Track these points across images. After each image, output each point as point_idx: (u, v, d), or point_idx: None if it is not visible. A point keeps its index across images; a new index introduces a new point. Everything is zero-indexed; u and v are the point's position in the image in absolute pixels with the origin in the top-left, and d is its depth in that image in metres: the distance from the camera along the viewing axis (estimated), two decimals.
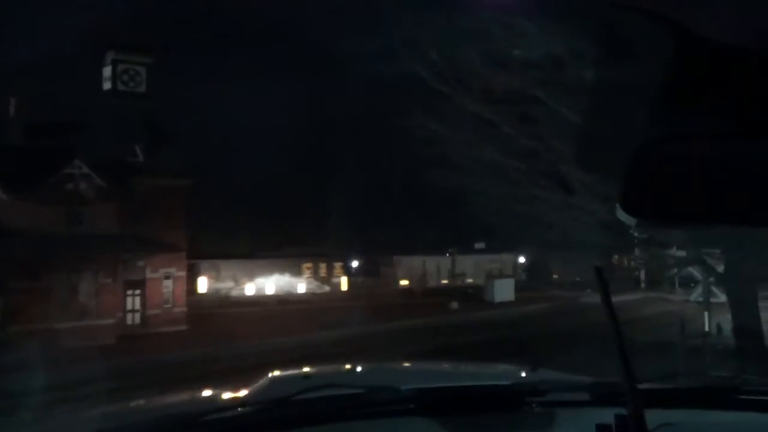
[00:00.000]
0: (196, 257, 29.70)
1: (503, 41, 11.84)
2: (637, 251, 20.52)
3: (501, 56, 12.20)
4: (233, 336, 20.10)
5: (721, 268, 13.41)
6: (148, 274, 23.95)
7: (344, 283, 37.32)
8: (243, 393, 1.95)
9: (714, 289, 14.97)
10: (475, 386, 1.77)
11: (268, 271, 34.57)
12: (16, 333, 16.83)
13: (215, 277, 33.47)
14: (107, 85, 25.30)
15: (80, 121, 23.53)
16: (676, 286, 29.48)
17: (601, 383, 1.67)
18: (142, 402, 2.34)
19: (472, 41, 12.40)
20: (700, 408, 1.55)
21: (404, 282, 37.53)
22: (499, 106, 12.78)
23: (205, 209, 34.11)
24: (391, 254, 38.58)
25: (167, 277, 24.42)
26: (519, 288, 33.78)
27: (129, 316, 23.39)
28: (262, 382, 2.07)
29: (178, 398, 2.38)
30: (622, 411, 1.14)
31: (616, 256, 30.48)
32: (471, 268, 38.31)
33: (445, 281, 38.36)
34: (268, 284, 34.16)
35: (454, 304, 29.10)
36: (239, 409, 1.63)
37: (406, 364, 2.85)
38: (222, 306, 28.98)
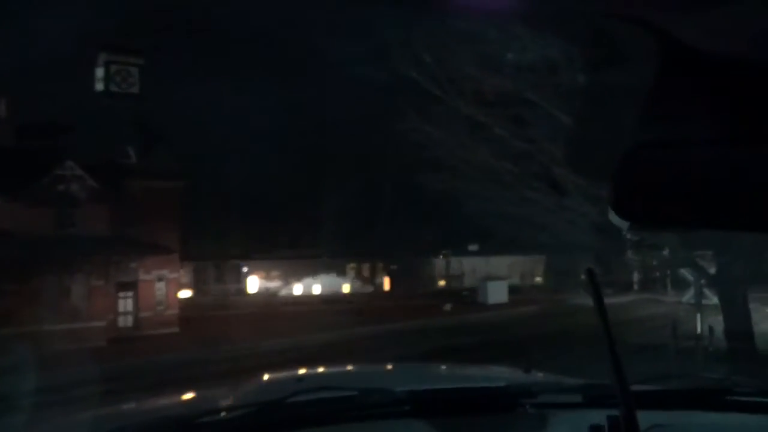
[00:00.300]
0: (191, 259, 29.67)
1: (496, 44, 11.88)
2: (629, 253, 20.62)
3: (494, 59, 12.24)
4: (226, 338, 20.05)
5: (712, 270, 13.50)
6: (141, 276, 23.84)
7: (386, 284, 38.27)
8: (236, 395, 1.95)
9: (706, 291, 15.04)
10: (468, 388, 1.77)
11: (315, 271, 35.57)
12: (7, 335, 16.70)
13: (265, 276, 34.75)
14: (100, 86, 25.18)
15: (72, 122, 23.42)
16: (669, 288, 29.63)
17: (593, 385, 1.68)
18: (134, 404, 2.32)
19: (465, 44, 12.44)
20: (691, 409, 1.56)
21: (442, 282, 38.65)
22: (492, 108, 12.81)
23: (200, 210, 34.05)
24: (430, 254, 39.04)
25: (160, 279, 24.32)
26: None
27: (121, 318, 23.27)
28: (255, 383, 2.06)
29: (170, 400, 2.37)
30: (614, 412, 1.15)
31: (608, 258, 30.64)
32: (505, 269, 38.35)
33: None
34: (315, 284, 34.68)
35: (448, 306, 29.14)
36: (232, 411, 1.63)
37: (399, 366, 2.85)
38: (269, 305, 29.76)
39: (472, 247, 37.35)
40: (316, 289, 35.11)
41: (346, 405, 1.56)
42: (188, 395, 2.44)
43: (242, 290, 34.57)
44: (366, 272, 39.95)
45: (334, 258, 37.68)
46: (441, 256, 40.47)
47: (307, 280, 35.60)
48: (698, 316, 15.30)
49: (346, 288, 36.53)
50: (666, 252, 15.47)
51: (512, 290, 33.47)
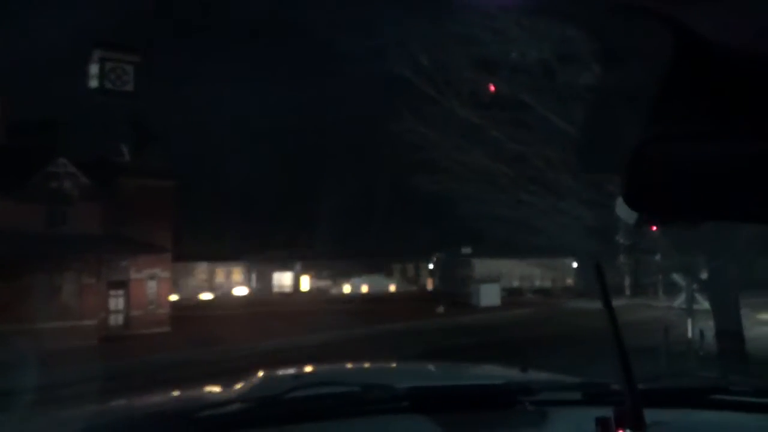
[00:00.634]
0: (184, 258, 29.57)
1: (493, 46, 11.91)
2: (621, 258, 20.70)
3: (490, 61, 12.27)
4: (217, 338, 20.01)
5: (704, 276, 13.57)
6: (133, 275, 23.72)
7: (429, 283, 39.74)
8: (233, 391, 1.94)
9: (697, 295, 15.12)
10: (467, 385, 1.77)
11: (363, 271, 37.09)
12: None
13: (316, 276, 36.51)
14: (94, 83, 25.06)
15: (66, 119, 23.29)
16: (660, 292, 29.77)
17: (592, 383, 1.68)
18: (127, 401, 2.31)
19: (462, 46, 12.46)
20: (689, 408, 1.57)
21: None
22: (487, 111, 12.84)
23: (193, 210, 33.93)
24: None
25: (152, 278, 24.20)
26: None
27: (112, 317, 23.14)
28: (252, 380, 2.05)
29: (164, 397, 2.36)
30: (614, 407, 1.15)
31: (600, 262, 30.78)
32: (537, 272, 38.61)
33: (516, 283, 39.61)
34: (363, 284, 36.06)
35: (441, 309, 29.15)
36: (229, 406, 1.62)
37: (398, 364, 2.85)
38: (322, 303, 31.25)
39: (465, 250, 37.41)
40: (364, 288, 36.29)
41: (345, 401, 1.55)
42: (183, 391, 2.43)
43: (297, 289, 36.48)
44: (411, 272, 40.77)
45: (327, 258, 37.67)
46: (435, 258, 40.55)
47: (355, 280, 36.63)
48: (689, 320, 15.37)
49: (392, 287, 37.65)
50: (658, 257, 15.54)
51: (544, 292, 34.03)
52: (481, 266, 38.28)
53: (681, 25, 0.59)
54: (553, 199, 12.71)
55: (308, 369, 2.40)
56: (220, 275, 36.81)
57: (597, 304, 1.21)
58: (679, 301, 16.58)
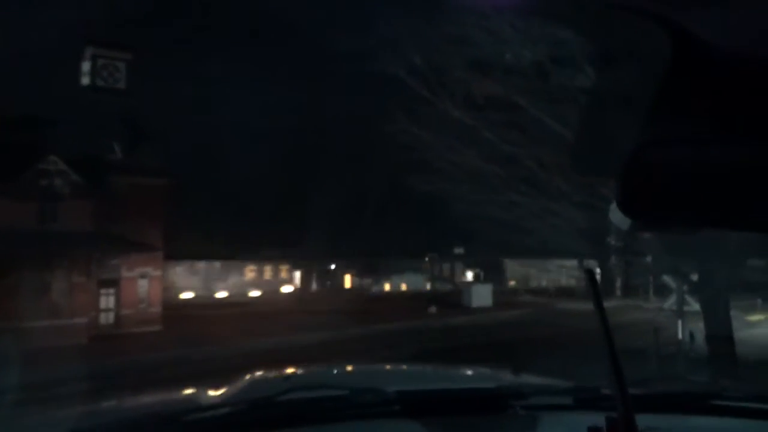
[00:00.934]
0: (176, 257, 29.49)
1: (487, 48, 11.93)
2: (613, 259, 20.80)
3: (484, 62, 12.29)
4: (211, 336, 19.96)
5: (695, 278, 13.65)
6: (124, 273, 23.59)
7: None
8: (223, 393, 1.92)
9: (688, 297, 15.20)
10: (458, 389, 1.77)
11: (402, 269, 38.19)
12: None
13: (358, 274, 37.91)
14: (86, 80, 24.91)
15: (57, 116, 23.11)
16: (651, 294, 29.94)
17: (584, 387, 1.68)
18: (116, 402, 2.29)
19: (456, 47, 12.47)
20: (681, 413, 1.57)
21: (512, 282, 41.06)
22: (480, 112, 12.85)
23: (186, 209, 33.79)
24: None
25: (143, 277, 24.08)
26: None
27: (103, 316, 23.00)
28: (242, 382, 2.04)
29: (154, 398, 2.34)
30: (604, 415, 1.14)
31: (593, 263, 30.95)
32: (563, 274, 39.13)
33: (544, 283, 40.70)
34: (402, 282, 36.21)
35: (433, 309, 29.20)
36: (220, 408, 1.60)
37: (389, 366, 2.83)
38: (361, 300, 32.57)
39: (458, 250, 37.52)
40: (403, 286, 37.57)
41: (336, 404, 1.54)
42: (174, 393, 2.41)
43: (341, 286, 37.88)
44: (447, 272, 41.76)
45: (320, 258, 37.69)
46: (426, 259, 40.63)
47: (395, 278, 37.49)
48: (680, 322, 15.46)
49: (428, 285, 38.53)
50: (649, 258, 15.62)
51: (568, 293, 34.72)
52: (512, 266, 39.05)
53: (677, 27, 0.59)
54: (545, 200, 12.75)
55: (297, 371, 2.39)
56: (267, 273, 38.19)
57: (591, 306, 1.20)
58: (670, 302, 16.67)
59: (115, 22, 25.08)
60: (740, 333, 15.24)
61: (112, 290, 23.29)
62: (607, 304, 1.14)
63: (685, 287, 14.91)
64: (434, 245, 40.43)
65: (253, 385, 2.00)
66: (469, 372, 2.47)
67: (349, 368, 2.50)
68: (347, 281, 37.92)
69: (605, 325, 1.12)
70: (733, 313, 13.74)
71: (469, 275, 41.54)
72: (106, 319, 23.09)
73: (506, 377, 2.03)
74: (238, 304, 31.03)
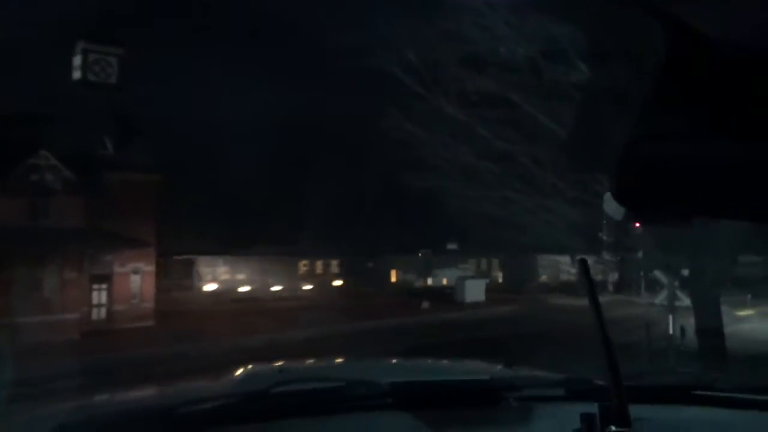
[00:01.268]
0: (166, 254, 29.40)
1: (481, 44, 11.94)
2: (604, 254, 20.91)
3: (478, 59, 12.31)
4: (207, 331, 19.93)
5: (686, 273, 13.75)
6: (116, 269, 23.49)
7: (500, 277, 42.38)
8: (217, 386, 1.92)
9: (679, 293, 15.31)
10: (452, 381, 1.78)
11: (442, 265, 39.50)
12: None
13: (402, 270, 39.56)
14: (77, 75, 24.72)
15: (48, 111, 22.93)
16: (642, 289, 30.11)
17: (576, 379, 1.69)
18: (109, 396, 2.28)
19: (450, 44, 12.48)
20: (674, 404, 1.59)
21: (543, 278, 41.87)
22: (475, 108, 12.87)
23: (177, 205, 33.68)
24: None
25: (135, 272, 23.98)
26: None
27: (95, 311, 22.90)
28: (236, 375, 2.04)
29: (147, 392, 2.34)
30: (600, 403, 1.15)
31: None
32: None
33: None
34: (444, 277, 38.23)
35: (426, 304, 29.25)
36: (212, 402, 1.60)
37: (383, 360, 2.84)
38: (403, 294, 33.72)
39: (452, 246, 37.62)
40: (444, 281, 38.64)
41: (331, 396, 1.55)
42: (167, 386, 2.41)
43: (386, 280, 39.49)
44: (484, 266, 43.26)
45: (314, 254, 37.71)
46: (420, 254, 40.75)
47: (437, 273, 38.95)
48: (671, 317, 15.57)
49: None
50: (640, 254, 15.71)
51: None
52: (541, 261, 39.68)
53: (673, 21, 0.59)
54: (538, 197, 12.80)
55: (291, 364, 2.39)
56: (318, 268, 40.29)
57: (584, 301, 1.22)
58: (661, 297, 16.78)
59: (107, 16, 24.85)
60: (730, 328, 15.37)
61: (104, 286, 23.19)
62: (599, 299, 1.15)
63: (676, 283, 15.02)
64: (428, 241, 40.56)
65: (247, 378, 2.01)
66: (464, 365, 2.48)
67: (343, 361, 2.51)
68: (393, 276, 39.93)
69: (598, 313, 1.13)
70: (723, 308, 13.86)
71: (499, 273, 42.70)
72: (98, 314, 22.99)
73: (500, 370, 2.04)
74: (289, 298, 32.49)
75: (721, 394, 1.64)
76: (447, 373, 2.20)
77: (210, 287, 36.03)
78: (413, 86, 13.37)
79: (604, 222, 13.36)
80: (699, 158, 0.64)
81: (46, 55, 28.05)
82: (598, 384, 1.48)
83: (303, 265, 39.18)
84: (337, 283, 38.80)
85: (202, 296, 33.50)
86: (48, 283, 21.12)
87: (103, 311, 23.14)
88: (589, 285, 1.15)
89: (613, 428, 1.04)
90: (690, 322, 14.26)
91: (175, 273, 35.47)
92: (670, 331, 15.23)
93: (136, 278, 24.03)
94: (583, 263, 1.21)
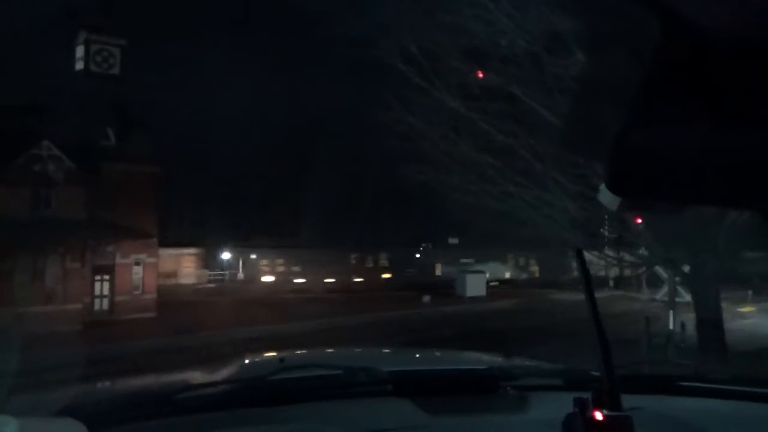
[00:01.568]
0: (168, 245, 29.49)
1: (483, 37, 11.89)
2: (605, 250, 20.87)
3: (480, 52, 12.25)
4: (202, 324, 19.99)
5: (687, 269, 13.73)
6: (118, 260, 23.55)
7: (537, 272, 43.88)
8: (218, 373, 1.94)
9: (679, 289, 15.32)
10: (451, 369, 1.80)
11: (485, 258, 40.43)
12: None
13: (447, 263, 40.52)
14: (79, 66, 24.71)
15: (51, 101, 22.94)
16: (643, 285, 30.13)
17: (572, 369, 1.71)
18: (110, 384, 2.30)
19: (452, 36, 12.42)
20: (668, 394, 1.60)
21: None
22: (476, 102, 12.82)
23: (178, 196, 33.69)
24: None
25: (137, 264, 24.04)
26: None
27: (97, 302, 22.99)
28: (237, 363, 2.06)
29: (148, 380, 2.36)
30: (594, 387, 1.17)
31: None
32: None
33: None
34: (486, 270, 38.89)
35: (427, 298, 29.31)
36: (213, 388, 1.62)
37: (382, 349, 2.86)
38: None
39: (452, 240, 37.64)
40: (486, 275, 39.18)
41: (330, 383, 1.56)
42: (167, 374, 2.43)
43: (433, 273, 40.97)
44: (522, 262, 44.62)
45: (314, 246, 37.72)
46: (421, 248, 40.79)
47: (479, 267, 39.82)
48: (671, 313, 15.59)
49: (507, 274, 41.12)
50: (642, 250, 15.70)
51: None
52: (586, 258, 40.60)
53: (667, 8, 0.60)
54: (539, 191, 12.77)
55: (291, 353, 2.41)
56: (368, 262, 41.70)
57: (580, 297, 1.23)
58: (662, 293, 16.82)
59: (110, 7, 24.77)
60: (731, 324, 15.39)
61: (106, 277, 23.26)
62: (599, 294, 1.17)
63: (677, 279, 15.02)
64: (428, 235, 40.60)
65: (247, 366, 2.03)
66: (462, 356, 2.50)
67: (344, 350, 2.53)
68: (438, 269, 41.34)
69: (592, 301, 1.14)
70: (723, 304, 13.86)
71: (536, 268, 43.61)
72: (101, 305, 23.08)
73: (498, 361, 2.06)
74: (340, 290, 33.66)
75: (715, 386, 1.66)
76: (445, 363, 2.22)
77: (268, 279, 37.25)
78: (414, 79, 13.32)
79: (606, 217, 13.33)
80: (693, 146, 0.65)
81: (48, 45, 28.02)
82: (594, 375, 1.49)
83: (353, 259, 40.81)
84: (387, 275, 40.04)
85: (260, 287, 34.71)
86: (50, 273, 21.19)
87: (106, 302, 23.23)
88: (584, 274, 1.17)
89: (606, 412, 1.05)
90: (691, 318, 14.27)
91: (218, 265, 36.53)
92: (671, 327, 15.26)
93: (139, 269, 24.09)
94: (580, 253, 1.23)
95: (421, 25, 12.85)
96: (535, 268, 44.42)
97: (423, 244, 41.99)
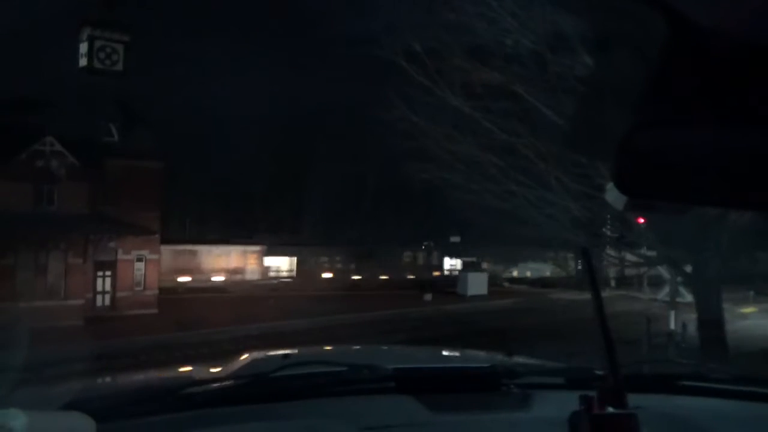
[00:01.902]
0: (168, 242, 29.53)
1: (486, 36, 11.88)
2: (607, 250, 20.86)
3: (483, 51, 12.25)
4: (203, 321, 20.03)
5: (688, 269, 13.72)
6: (120, 256, 23.58)
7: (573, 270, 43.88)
8: (221, 370, 1.95)
9: (681, 289, 15.30)
10: (453, 367, 1.80)
11: (527, 257, 40.80)
12: None
13: (490, 261, 41.26)
14: (83, 62, 24.71)
15: (54, 97, 22.95)
16: (645, 285, 30.10)
17: (576, 368, 1.72)
18: (112, 379, 2.31)
19: (455, 35, 12.42)
20: (671, 393, 1.61)
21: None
22: (479, 101, 12.82)
23: (179, 193, 33.74)
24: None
25: (139, 260, 24.07)
26: None
27: (99, 298, 23.03)
28: (240, 360, 2.07)
29: (151, 375, 2.37)
30: (599, 385, 1.18)
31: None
32: None
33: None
34: (528, 270, 39.83)
35: (428, 297, 29.33)
36: (216, 384, 1.63)
37: (385, 347, 2.87)
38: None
39: (454, 239, 37.60)
40: (528, 273, 40.29)
41: (333, 380, 1.57)
42: (170, 370, 2.44)
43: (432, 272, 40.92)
44: (561, 260, 44.94)
45: (315, 244, 37.71)
46: (423, 247, 40.76)
47: (522, 266, 40.75)
48: (672, 313, 15.59)
49: (547, 272, 40.58)
50: (644, 249, 15.69)
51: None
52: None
53: (672, 9, 0.60)
54: (541, 190, 12.76)
55: (295, 350, 2.42)
56: (420, 259, 41.85)
57: (585, 297, 1.24)
58: (663, 293, 16.80)
59: (113, 3, 24.77)
60: (732, 324, 15.37)
61: (108, 273, 23.30)
62: (599, 287, 1.18)
63: (678, 279, 15.01)
64: (430, 233, 40.56)
65: (251, 362, 2.03)
66: (464, 354, 2.51)
67: (347, 347, 2.54)
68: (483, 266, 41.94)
69: (598, 300, 1.15)
70: (725, 305, 13.86)
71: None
72: (102, 301, 23.13)
73: (500, 359, 2.06)
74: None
75: (717, 385, 1.66)
76: (448, 361, 2.23)
77: (327, 275, 37.72)
78: (418, 77, 13.31)
79: (608, 217, 13.32)
80: (698, 147, 0.66)
81: (52, 41, 28.04)
82: (597, 373, 1.50)
83: (406, 257, 41.46)
84: (436, 273, 40.22)
85: (320, 283, 35.08)
86: (52, 268, 21.23)
87: (107, 298, 23.28)
88: (590, 273, 1.17)
89: (611, 409, 1.06)
90: (692, 318, 14.27)
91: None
92: (672, 327, 15.26)
93: (140, 265, 24.12)
94: (586, 252, 1.24)
95: (425, 23, 12.84)
96: (574, 265, 45.42)
97: (425, 243, 41.96)
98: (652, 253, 15.22)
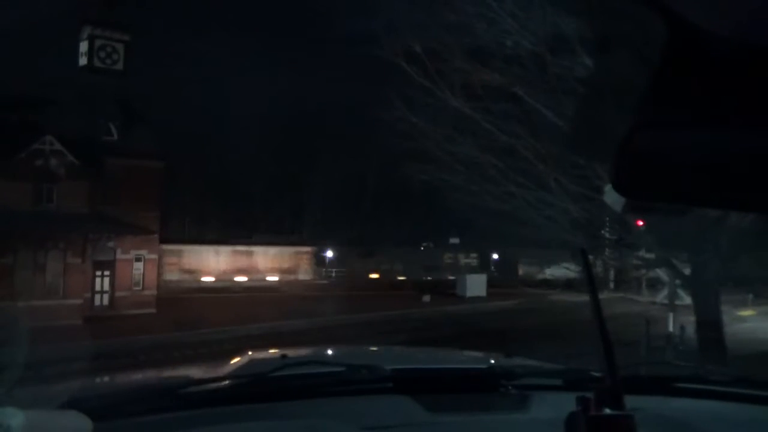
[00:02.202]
0: (168, 242, 29.53)
1: (486, 37, 11.88)
2: (606, 252, 20.86)
3: (483, 52, 12.24)
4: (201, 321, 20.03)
5: (687, 271, 13.70)
6: (119, 256, 23.57)
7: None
8: (220, 369, 1.95)
9: (680, 291, 15.29)
10: (451, 368, 1.80)
11: (558, 259, 41.21)
12: None
13: (528, 263, 42.55)
14: (83, 61, 24.72)
15: (54, 96, 22.93)
16: (643, 287, 30.12)
17: (574, 369, 1.72)
18: (111, 378, 2.31)
19: (456, 36, 12.41)
20: (669, 395, 1.61)
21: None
22: (479, 102, 12.81)
23: (179, 193, 33.72)
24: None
25: (138, 259, 24.06)
26: None
27: (97, 297, 23.02)
28: (239, 360, 2.07)
29: (150, 374, 2.37)
30: (596, 387, 1.18)
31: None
32: None
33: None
34: (558, 271, 39.80)
35: (427, 298, 29.33)
36: (215, 383, 1.63)
37: (384, 347, 2.87)
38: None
39: (453, 240, 37.61)
40: (557, 274, 40.32)
41: (331, 380, 1.57)
42: (169, 370, 2.43)
43: (515, 273, 42.80)
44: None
45: (315, 244, 37.70)
46: (422, 248, 40.76)
47: (553, 268, 40.75)
48: (671, 315, 15.59)
49: (571, 274, 41.31)
50: (642, 252, 15.69)
51: None
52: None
53: (671, 11, 0.60)
54: (541, 192, 12.75)
55: (294, 350, 2.42)
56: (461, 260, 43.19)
57: (584, 299, 1.23)
58: (662, 295, 16.79)
59: (113, 2, 24.77)
60: (730, 327, 15.36)
61: (107, 272, 23.29)
62: (599, 296, 1.17)
63: (677, 281, 15.00)
64: (430, 235, 40.56)
65: (249, 363, 2.03)
66: (463, 355, 2.51)
67: (346, 348, 2.54)
68: (519, 270, 43.08)
69: (596, 301, 1.15)
70: (723, 307, 13.84)
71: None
72: (101, 300, 23.12)
73: (499, 360, 2.06)
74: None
75: (715, 388, 1.66)
76: (446, 361, 2.23)
77: (374, 276, 38.90)
78: (418, 78, 13.30)
79: (607, 219, 13.32)
80: (698, 148, 0.66)
81: (52, 40, 28.03)
82: (595, 375, 1.50)
83: (447, 258, 42.73)
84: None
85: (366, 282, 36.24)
86: (51, 267, 21.22)
87: (106, 297, 23.27)
88: (588, 274, 1.17)
89: (608, 411, 1.06)
90: (690, 321, 14.25)
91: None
92: (670, 329, 15.25)
93: (139, 265, 24.11)
94: (584, 253, 1.24)
95: (425, 24, 12.84)
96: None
97: (424, 244, 41.91)
98: (650, 255, 15.21)
